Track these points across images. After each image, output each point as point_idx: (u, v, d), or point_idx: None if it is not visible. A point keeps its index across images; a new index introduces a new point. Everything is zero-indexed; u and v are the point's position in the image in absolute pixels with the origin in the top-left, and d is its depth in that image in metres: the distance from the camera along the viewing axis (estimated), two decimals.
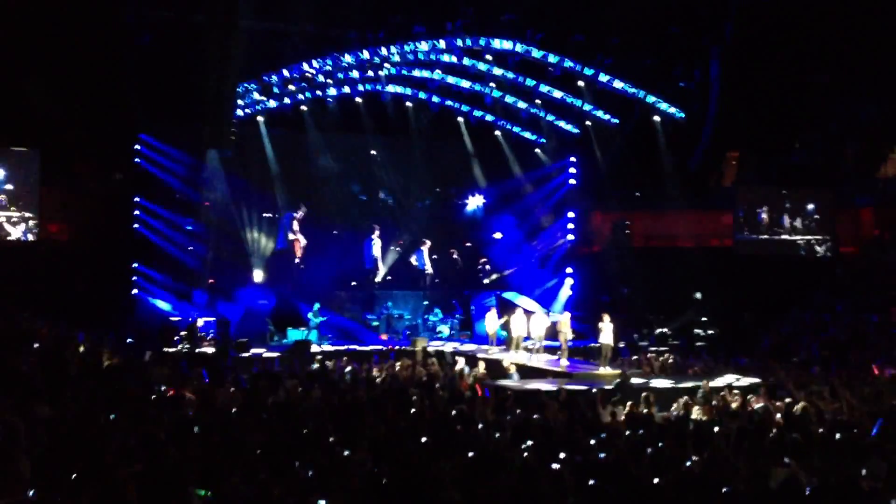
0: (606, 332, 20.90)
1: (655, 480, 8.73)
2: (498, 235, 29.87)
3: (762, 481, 8.82)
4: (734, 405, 15.01)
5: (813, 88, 27.86)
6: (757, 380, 17.89)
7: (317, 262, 27.44)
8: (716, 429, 12.12)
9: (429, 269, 28.15)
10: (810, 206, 29.13)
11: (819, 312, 25.56)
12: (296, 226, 26.94)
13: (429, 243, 28.25)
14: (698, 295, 27.15)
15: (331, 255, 27.64)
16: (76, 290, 22.83)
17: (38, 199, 25.22)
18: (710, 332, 26.30)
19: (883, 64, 26.08)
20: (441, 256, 28.76)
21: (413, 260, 28.34)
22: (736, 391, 16.41)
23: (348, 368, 19.28)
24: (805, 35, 26.54)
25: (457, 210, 30.89)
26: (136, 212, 25.30)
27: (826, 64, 27.18)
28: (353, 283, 28.14)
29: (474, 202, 30.64)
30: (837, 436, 11.54)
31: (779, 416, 13.92)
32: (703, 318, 26.80)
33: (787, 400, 15.06)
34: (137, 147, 25.28)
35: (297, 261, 27.18)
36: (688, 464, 9.69)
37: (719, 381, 17.71)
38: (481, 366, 20.29)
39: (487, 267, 29.06)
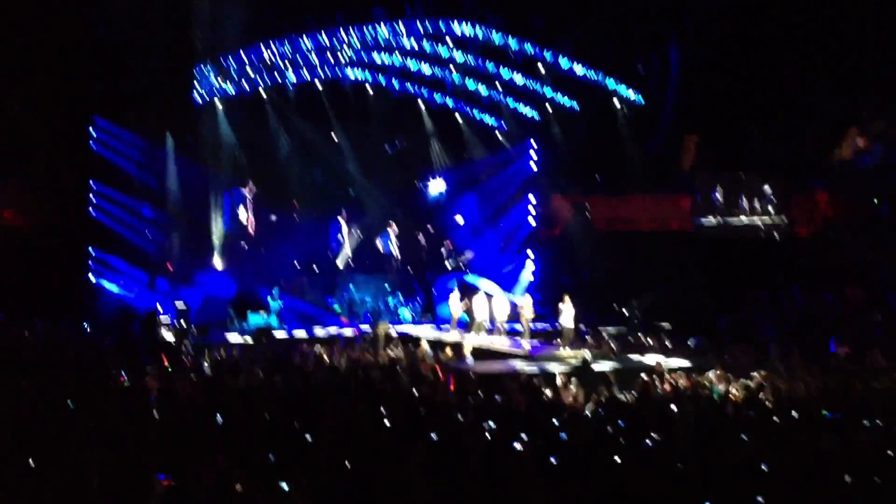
0: (567, 314, 21.05)
1: (616, 459, 8.85)
2: (460, 219, 29.91)
3: (720, 459, 8.98)
4: (692, 385, 15.22)
5: (770, 74, 28.14)
6: (715, 360, 18.14)
7: (278, 247, 27.27)
8: (674, 408, 12.31)
9: (395, 252, 28.16)
10: (767, 189, 29.51)
11: (776, 293, 25.95)
12: (248, 204, 26.64)
13: (395, 227, 28.24)
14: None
15: (292, 240, 27.49)
16: (32, 277, 22.46)
17: None
18: (670, 313, 26.54)
19: (840, 51, 26.43)
20: (405, 241, 28.74)
21: (379, 244, 28.31)
22: (694, 371, 16.64)
23: (310, 353, 19.24)
24: (764, 21, 26.80)
25: (419, 194, 30.86)
26: (93, 197, 24.92)
27: (784, 50, 27.46)
28: (315, 268, 28.02)
29: (436, 186, 30.62)
30: (794, 414, 11.78)
31: (736, 393, 14.16)
32: (664, 301, 27.01)
33: (745, 379, 15.32)
34: (93, 132, 24.88)
35: (248, 242, 26.88)
36: (647, 443, 9.84)
37: (678, 362, 17.95)
38: (448, 350, 20.35)
39: (451, 250, 29.11)
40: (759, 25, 26.85)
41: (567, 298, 21.20)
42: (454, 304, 24.07)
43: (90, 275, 24.76)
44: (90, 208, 24.86)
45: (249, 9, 24.45)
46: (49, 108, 23.69)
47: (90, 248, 24.76)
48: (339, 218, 27.96)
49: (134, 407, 11.19)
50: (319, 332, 23.78)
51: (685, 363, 17.89)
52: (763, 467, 8.66)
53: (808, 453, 9.30)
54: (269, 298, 24.77)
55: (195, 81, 24.40)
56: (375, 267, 28.63)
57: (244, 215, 26.61)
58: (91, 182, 24.91)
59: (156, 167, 25.76)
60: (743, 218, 29.55)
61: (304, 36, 24.50)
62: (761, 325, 23.53)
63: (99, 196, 24.92)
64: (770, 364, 16.79)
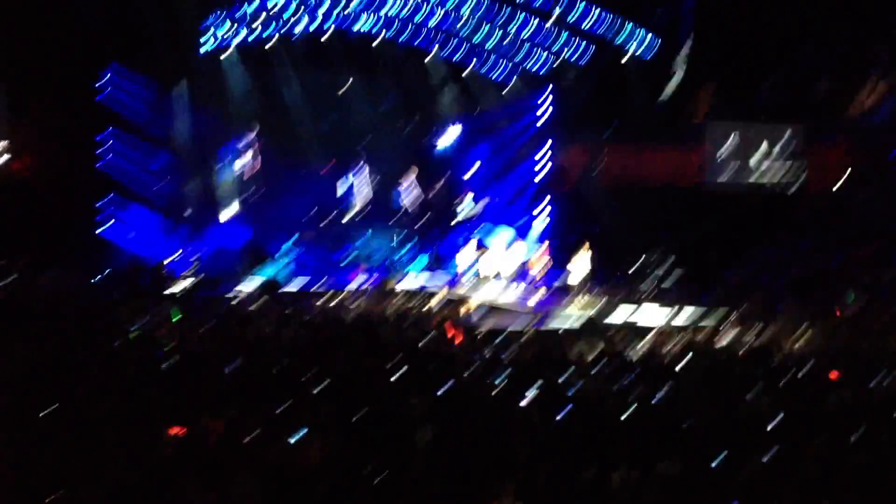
0: (578, 269, 21.05)
1: (623, 416, 8.90)
2: (471, 172, 29.78)
3: (727, 418, 9.01)
4: (699, 341, 15.25)
5: (785, 24, 27.72)
6: (724, 316, 18.15)
7: (287, 198, 27.24)
8: (681, 365, 12.35)
9: (412, 202, 28.06)
10: (779, 144, 29.26)
11: (787, 249, 25.85)
12: (250, 151, 26.48)
13: (409, 178, 28.13)
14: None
15: (301, 191, 27.42)
16: (41, 227, 22.50)
17: (1, 134, 24.72)
18: (677, 269, 26.47)
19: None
20: (417, 192, 28.61)
21: (395, 194, 28.26)
22: (701, 328, 16.66)
23: (319, 305, 19.34)
24: None
25: (429, 147, 30.68)
26: (104, 146, 24.86)
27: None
28: (325, 221, 28.01)
29: (447, 138, 30.43)
30: (801, 372, 11.80)
31: (744, 351, 14.18)
32: (674, 255, 26.88)
33: (751, 336, 15.34)
34: (104, 80, 24.74)
35: (254, 191, 26.84)
36: (654, 399, 9.88)
37: (685, 318, 17.95)
38: (456, 304, 20.41)
39: (465, 203, 29.01)
40: None
41: (578, 253, 21.15)
42: (464, 258, 24.06)
43: (100, 226, 24.81)
44: (100, 158, 24.81)
45: None
46: (59, 57, 23.52)
47: (100, 198, 24.77)
48: (355, 168, 27.81)
49: (143, 358, 11.27)
50: (329, 285, 23.81)
51: (694, 319, 17.89)
52: (769, 426, 8.70)
53: (815, 412, 9.32)
54: (281, 251, 24.77)
55: (207, 29, 24.17)
56: (386, 219, 28.58)
57: (244, 162, 26.44)
58: (102, 132, 24.83)
59: (167, 116, 25.65)
60: (755, 172, 29.35)
61: None
62: (771, 282, 23.48)
63: (109, 145, 24.85)
64: (778, 321, 16.79)
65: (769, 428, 8.67)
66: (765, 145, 29.26)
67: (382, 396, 9.40)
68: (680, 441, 8.18)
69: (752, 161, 29.26)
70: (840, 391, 10.26)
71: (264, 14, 24.94)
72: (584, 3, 25.82)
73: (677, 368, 12.04)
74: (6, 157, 24.82)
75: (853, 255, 24.28)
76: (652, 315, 19.18)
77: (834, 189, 29.03)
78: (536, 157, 30.09)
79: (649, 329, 16.63)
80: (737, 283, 23.79)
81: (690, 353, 13.94)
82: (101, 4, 23.09)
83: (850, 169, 29.23)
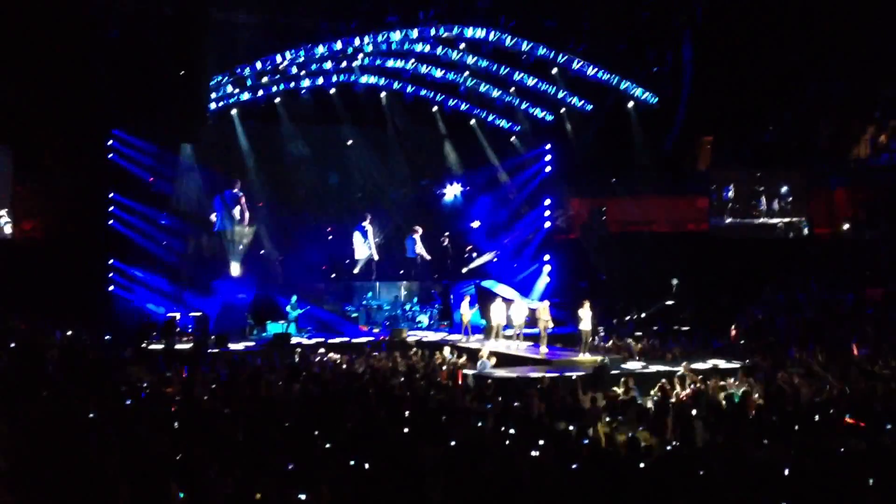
0: (585, 318, 20.93)
1: (637, 464, 8.80)
2: (476, 224, 29.89)
3: (742, 463, 8.91)
4: (712, 388, 15.12)
5: (785, 68, 27.98)
6: (735, 362, 18.03)
7: (294, 253, 27.35)
8: (694, 412, 12.23)
9: (423, 254, 28.00)
10: (785, 188, 29.33)
11: (795, 293, 25.77)
12: (241, 201, 26.42)
13: (420, 231, 28.19)
14: (675, 281, 27.10)
15: (308, 246, 27.54)
16: (52, 287, 22.60)
17: (11, 197, 24.97)
18: (687, 315, 26.38)
19: (854, 42, 26.26)
20: (429, 245, 28.67)
21: (406, 247, 28.29)
22: (714, 374, 16.53)
23: (329, 361, 19.27)
24: (776, 15, 26.66)
25: (435, 199, 30.85)
26: (111, 207, 25.08)
27: (797, 43, 27.30)
28: (334, 274, 28.08)
29: (452, 191, 30.63)
30: (815, 416, 11.68)
31: (757, 396, 14.06)
32: (672, 303, 26.75)
33: (765, 382, 15.20)
34: (110, 142, 25.06)
35: (259, 245, 26.91)
36: (668, 448, 9.78)
37: (697, 365, 17.82)
38: (465, 356, 20.28)
39: (474, 255, 29.05)
40: (772, 21, 26.70)
41: (585, 303, 21.08)
42: (465, 310, 24.02)
43: (109, 285, 24.90)
44: (109, 219, 25.01)
45: (265, 17, 24.53)
46: (67, 121, 23.84)
47: (110, 259, 24.90)
48: (365, 223, 27.88)
49: (154, 415, 11.24)
50: (338, 339, 23.77)
51: (705, 366, 17.77)
52: (785, 471, 8.60)
53: (831, 456, 9.21)
54: (287, 307, 24.77)
55: (210, 90, 24.49)
56: (394, 271, 28.61)
57: (238, 212, 26.43)
58: (110, 193, 25.06)
59: (172, 176, 25.90)
60: (761, 217, 29.38)
61: (320, 44, 24.50)
62: (781, 327, 23.36)
63: (118, 206, 25.06)
64: (791, 366, 16.67)
65: (785, 474, 8.57)
66: (771, 189, 29.34)
67: (394, 448, 9.34)
68: (695, 488, 8.09)
69: (760, 206, 29.32)
70: (855, 436, 10.15)
71: (270, 71, 25.25)
72: (586, 56, 26.08)
73: (691, 415, 11.93)
74: (18, 218, 25.09)
75: (864, 299, 24.19)
76: (663, 362, 19.06)
77: (842, 233, 29.03)
78: (542, 209, 30.26)
79: (661, 374, 16.53)
80: (749, 327, 23.68)
81: (703, 399, 13.83)
82: (106, 66, 23.44)
83: (856, 213, 29.26)
